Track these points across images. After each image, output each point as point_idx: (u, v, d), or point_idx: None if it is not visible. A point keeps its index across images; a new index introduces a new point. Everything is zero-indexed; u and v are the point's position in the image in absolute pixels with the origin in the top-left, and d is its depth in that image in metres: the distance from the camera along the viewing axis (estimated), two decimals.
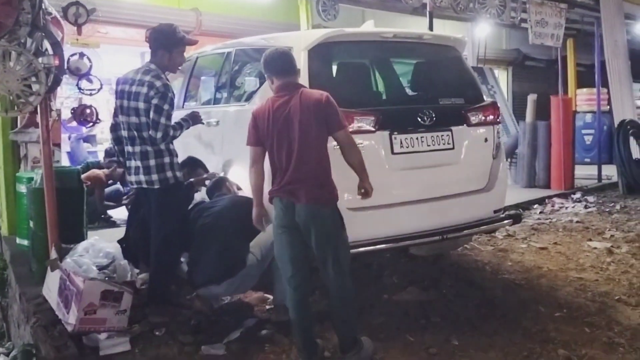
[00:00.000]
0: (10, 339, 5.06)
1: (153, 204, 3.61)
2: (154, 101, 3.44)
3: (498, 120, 4.36)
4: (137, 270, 3.95)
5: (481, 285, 4.32)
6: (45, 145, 3.75)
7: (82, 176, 6.07)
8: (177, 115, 5.16)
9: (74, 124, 4.68)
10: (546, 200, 7.81)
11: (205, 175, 4.13)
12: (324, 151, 3.06)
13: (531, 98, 8.94)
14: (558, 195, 8.06)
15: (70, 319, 3.18)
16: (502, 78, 14.27)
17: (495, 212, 4.28)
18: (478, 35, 11.14)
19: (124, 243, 4.04)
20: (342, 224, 3.12)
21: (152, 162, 3.53)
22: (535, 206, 7.53)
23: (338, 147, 3.15)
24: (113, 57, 9.34)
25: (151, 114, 3.44)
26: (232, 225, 3.57)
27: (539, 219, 6.83)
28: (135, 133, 3.54)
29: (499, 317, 3.75)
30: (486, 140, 4.23)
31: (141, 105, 3.50)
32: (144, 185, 3.57)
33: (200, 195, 4.25)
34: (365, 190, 3.15)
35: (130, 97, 3.53)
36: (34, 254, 4.11)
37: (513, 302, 4.01)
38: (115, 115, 3.71)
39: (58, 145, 5.49)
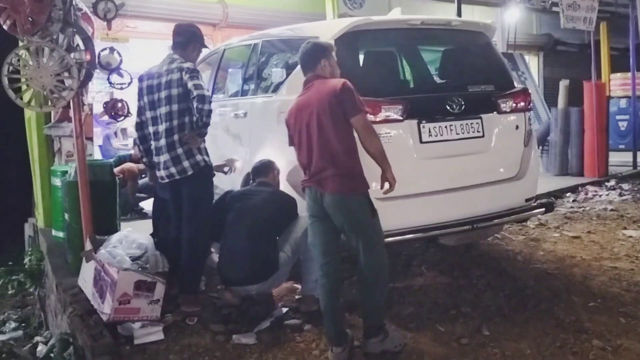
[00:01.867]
0: (48, 328, 5.23)
1: (186, 193, 3.62)
2: (191, 82, 3.48)
3: (529, 107, 4.28)
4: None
5: (512, 275, 4.25)
6: (79, 139, 3.82)
7: (115, 169, 6.21)
8: None
9: (106, 117, 4.73)
10: (579, 188, 7.64)
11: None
12: (346, 139, 3.03)
13: (563, 84, 8.75)
14: (591, 183, 7.88)
15: (105, 308, 3.25)
16: (533, 64, 13.97)
17: (526, 200, 4.21)
18: (508, 21, 10.90)
19: (155, 237, 4.09)
20: (372, 211, 3.08)
21: (179, 150, 3.56)
22: (568, 194, 7.37)
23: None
24: (142, 51, 9.46)
25: (194, 92, 3.45)
26: (267, 223, 3.58)
27: (571, 207, 6.69)
28: (165, 125, 3.57)
29: (531, 308, 3.69)
30: (517, 127, 4.16)
31: (174, 91, 3.54)
32: (177, 177, 3.59)
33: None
34: (387, 182, 3.09)
35: (161, 88, 3.57)
36: (70, 246, 4.22)
37: (545, 292, 3.94)
38: (140, 114, 3.75)
39: (90, 139, 5.61)
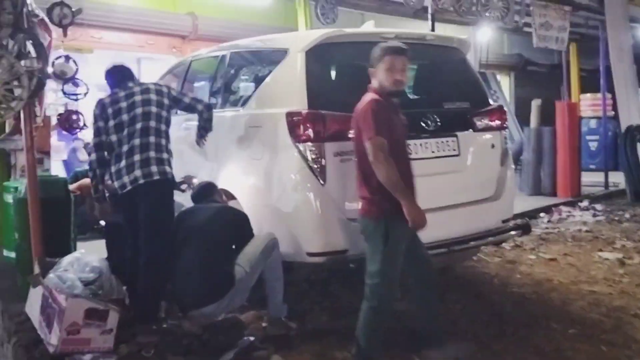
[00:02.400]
0: None
1: (145, 206, 3.38)
2: (173, 93, 3.67)
3: (505, 125, 4.17)
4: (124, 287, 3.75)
5: (489, 299, 4.10)
6: (29, 153, 3.56)
7: (72, 186, 5.89)
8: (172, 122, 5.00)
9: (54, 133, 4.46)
10: (553, 208, 7.59)
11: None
12: (363, 162, 2.94)
13: (535, 103, 8.76)
14: (565, 204, 7.84)
15: (52, 339, 2.97)
16: (505, 83, 14.11)
17: (503, 222, 4.08)
18: (480, 40, 10.99)
19: (111, 260, 3.81)
20: (384, 240, 2.92)
21: (165, 155, 3.45)
22: (542, 215, 7.31)
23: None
24: (107, 63, 9.17)
25: (185, 99, 3.73)
26: (217, 238, 3.37)
27: (546, 228, 6.61)
28: (140, 139, 3.43)
29: (510, 335, 3.53)
30: (493, 146, 4.04)
31: (153, 108, 3.48)
32: (155, 177, 3.37)
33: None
34: (410, 216, 2.85)
35: (133, 106, 3.46)
36: (19, 268, 3.92)
37: (523, 317, 3.79)
38: (98, 134, 3.53)
39: (47, 153, 5.32)
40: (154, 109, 3.49)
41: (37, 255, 3.52)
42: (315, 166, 3.35)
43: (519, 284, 4.48)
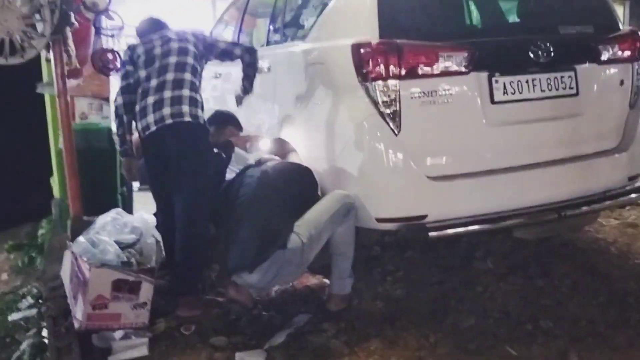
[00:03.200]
0: None
1: (184, 149, 2.87)
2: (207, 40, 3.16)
3: (639, 56, 3.22)
4: None
5: (607, 274, 3.29)
6: (61, 98, 3.13)
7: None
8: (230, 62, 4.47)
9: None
10: None
11: (247, 135, 3.35)
12: None
13: None
14: None
15: (78, 313, 2.59)
16: (619, 14, 12.37)
17: (630, 179, 3.22)
18: None
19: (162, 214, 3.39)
20: None
21: (199, 97, 2.96)
22: None
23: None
24: (180, 3, 8.69)
25: (219, 45, 3.22)
26: (274, 197, 2.82)
27: None
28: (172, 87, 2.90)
29: (636, 323, 2.76)
30: (622, 83, 3.16)
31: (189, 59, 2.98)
32: (186, 118, 2.85)
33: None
34: None
35: (168, 54, 2.94)
36: (62, 224, 3.60)
37: None
38: (125, 78, 3.01)
39: (106, 99, 4.98)
40: (191, 49, 3.00)
41: (75, 212, 3.14)
42: (388, 111, 2.68)
43: None
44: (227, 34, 4.99)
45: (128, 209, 3.88)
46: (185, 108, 2.84)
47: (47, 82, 4.37)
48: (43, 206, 7.10)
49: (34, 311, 5.13)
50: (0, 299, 5.60)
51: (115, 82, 7.01)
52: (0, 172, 8.59)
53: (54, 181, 5.48)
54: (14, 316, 5.05)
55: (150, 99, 2.85)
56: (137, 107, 2.89)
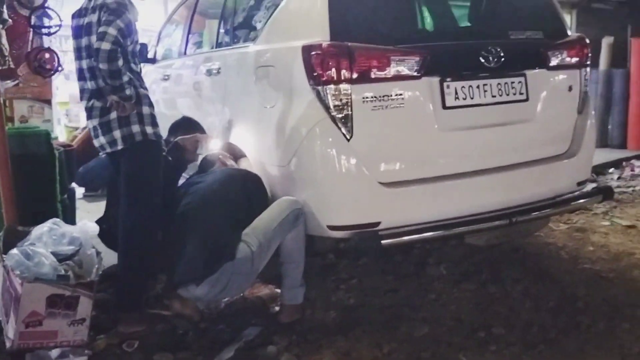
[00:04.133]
0: None
1: (122, 172, 2.75)
2: (100, 28, 2.50)
3: (587, 62, 3.28)
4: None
5: (557, 279, 3.32)
6: None
7: (79, 137, 5.34)
8: (179, 65, 4.31)
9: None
10: (623, 163, 6.62)
11: (196, 135, 3.22)
12: None
13: (607, 41, 7.64)
14: (637, 157, 6.84)
15: (10, 332, 2.40)
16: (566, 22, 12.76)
17: (579, 184, 3.27)
18: None
19: (104, 223, 3.22)
20: None
21: (112, 115, 2.66)
22: (611, 170, 6.36)
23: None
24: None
25: (94, 44, 2.51)
26: (221, 205, 2.70)
27: (618, 186, 5.67)
28: (90, 83, 2.67)
29: (586, 328, 2.77)
30: (570, 89, 3.20)
31: (93, 38, 2.57)
32: (108, 149, 2.71)
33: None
34: None
35: (82, 32, 2.63)
36: None
37: (602, 304, 3.01)
38: (76, 59, 2.82)
39: (48, 101, 4.75)
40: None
41: (9, 221, 2.94)
42: (339, 115, 2.61)
43: (592, 259, 3.66)
44: (176, 35, 4.84)
45: (70, 218, 3.67)
46: (102, 139, 2.75)
47: None
48: None
49: None
50: None
51: (59, 84, 6.72)
52: None
53: None
54: None
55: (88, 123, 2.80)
56: None
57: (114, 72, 2.50)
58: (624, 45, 8.00)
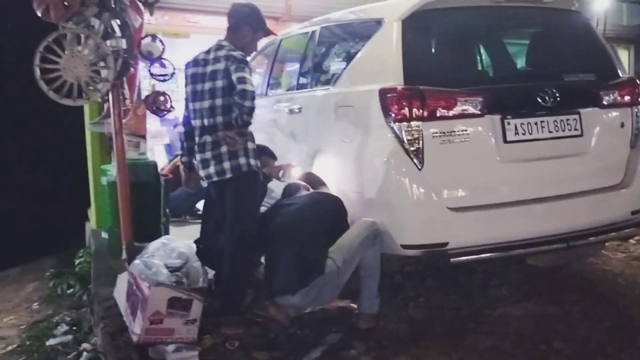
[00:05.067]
0: (96, 335, 4.99)
1: (227, 197, 3.22)
2: (235, 74, 3.03)
3: (638, 100, 3.55)
4: (213, 272, 3.63)
5: (614, 302, 3.54)
6: (117, 135, 3.50)
7: (167, 168, 5.93)
8: (261, 104, 4.83)
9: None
10: None
11: (281, 164, 3.69)
12: None
13: None
14: None
15: (136, 328, 2.87)
16: (623, 58, 12.72)
17: (632, 213, 3.50)
18: (596, 10, 9.89)
19: (201, 244, 3.70)
20: None
21: (223, 149, 3.15)
22: None
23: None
24: (204, 47, 9.22)
25: (237, 86, 3.01)
26: (310, 225, 3.13)
27: None
28: (208, 121, 3.17)
29: None
30: (623, 125, 3.47)
31: (219, 83, 3.11)
32: (214, 178, 3.20)
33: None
34: None
35: (205, 78, 3.17)
36: (110, 251, 3.92)
37: None
38: (186, 105, 3.37)
39: (143, 136, 5.34)
40: (219, 84, 3.14)
41: (126, 239, 3.46)
42: (412, 149, 3.00)
43: None
44: (255, 79, 5.41)
45: None
46: (211, 170, 3.22)
47: (94, 121, 4.75)
48: (65, 238, 7.42)
49: (69, 337, 5.39)
50: (34, 327, 5.87)
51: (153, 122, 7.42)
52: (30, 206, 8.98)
53: (92, 212, 5.82)
54: (50, 342, 5.30)
55: (198, 157, 3.33)
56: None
57: (252, 109, 3.03)
58: None
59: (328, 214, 3.23)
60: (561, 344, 3.02)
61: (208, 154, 3.18)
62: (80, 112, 5.70)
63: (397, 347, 3.02)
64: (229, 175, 3.14)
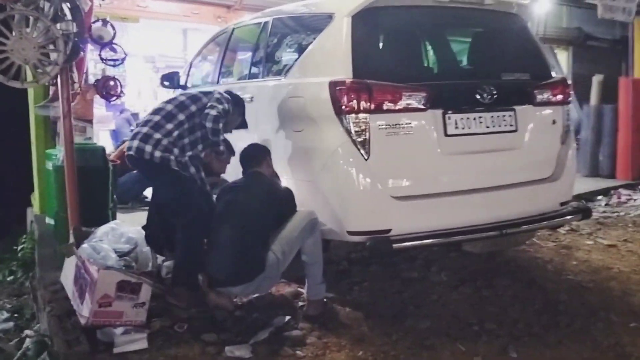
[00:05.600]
0: (39, 321, 4.92)
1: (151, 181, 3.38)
2: (210, 101, 3.50)
3: (569, 99, 3.82)
4: (162, 258, 3.67)
5: (543, 286, 3.82)
6: (65, 119, 3.47)
7: (113, 154, 5.86)
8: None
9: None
10: (611, 191, 7.15)
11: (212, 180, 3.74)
12: None
13: (597, 79, 8.22)
14: (624, 186, 7.37)
15: (84, 311, 2.89)
16: (562, 58, 13.35)
17: (561, 204, 3.77)
18: (537, 12, 10.34)
19: (148, 229, 3.73)
20: None
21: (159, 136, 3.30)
22: (599, 197, 6.89)
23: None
24: (153, 32, 9.09)
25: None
26: (256, 219, 3.19)
27: (604, 212, 6.20)
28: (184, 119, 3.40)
29: (564, 326, 3.27)
30: (554, 122, 3.72)
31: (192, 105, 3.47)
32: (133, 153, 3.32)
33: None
34: None
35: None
36: (56, 236, 3.89)
37: (580, 308, 3.50)
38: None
39: (90, 121, 5.27)
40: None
41: (74, 224, 3.45)
42: (359, 140, 3.14)
43: (574, 272, 4.17)
44: (206, 67, 5.44)
45: None
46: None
47: (41, 104, 4.66)
48: (5, 224, 7.19)
49: (10, 324, 5.28)
50: None
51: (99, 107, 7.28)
52: None
53: (35, 198, 5.69)
54: None
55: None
56: None
57: (215, 131, 3.48)
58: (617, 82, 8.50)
59: (276, 208, 3.28)
60: (493, 325, 3.25)
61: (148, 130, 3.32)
62: (23, 95, 5.55)
63: (340, 328, 3.17)
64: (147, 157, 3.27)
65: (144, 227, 3.74)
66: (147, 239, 3.66)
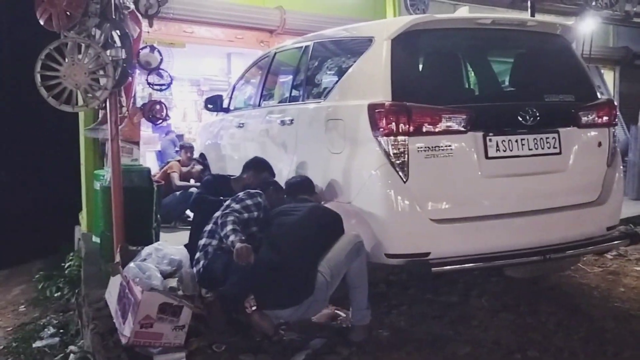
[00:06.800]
0: (83, 337, 5.05)
1: None
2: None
3: (615, 121, 3.73)
4: None
5: (588, 314, 3.69)
6: (113, 142, 3.60)
7: (157, 175, 6.02)
8: (254, 114, 4.95)
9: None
10: None
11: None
12: None
13: None
14: None
15: (126, 330, 2.95)
16: (609, 78, 13.00)
17: (608, 229, 3.65)
18: (583, 32, 10.16)
19: (189, 250, 3.79)
20: None
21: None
22: None
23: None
24: (199, 57, 9.37)
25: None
26: (308, 243, 3.18)
27: None
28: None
29: (612, 355, 3.14)
30: (600, 144, 3.63)
31: None
32: None
33: None
34: None
35: None
36: (102, 254, 4.00)
37: (628, 337, 3.36)
38: None
39: (136, 143, 5.44)
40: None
41: (118, 242, 3.55)
42: (398, 162, 3.14)
43: (622, 299, 4.01)
44: (249, 90, 5.56)
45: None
46: None
47: (90, 127, 4.85)
48: (53, 242, 7.44)
49: (56, 339, 5.44)
50: (20, 329, 5.91)
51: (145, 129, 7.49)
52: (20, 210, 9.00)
53: (83, 216, 5.89)
54: (37, 344, 5.35)
55: None
56: None
57: (225, 236, 3.38)
58: None
59: (326, 231, 3.26)
60: (536, 353, 3.15)
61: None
62: (74, 118, 5.79)
63: (378, 352, 3.13)
64: None
65: (186, 246, 3.82)
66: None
